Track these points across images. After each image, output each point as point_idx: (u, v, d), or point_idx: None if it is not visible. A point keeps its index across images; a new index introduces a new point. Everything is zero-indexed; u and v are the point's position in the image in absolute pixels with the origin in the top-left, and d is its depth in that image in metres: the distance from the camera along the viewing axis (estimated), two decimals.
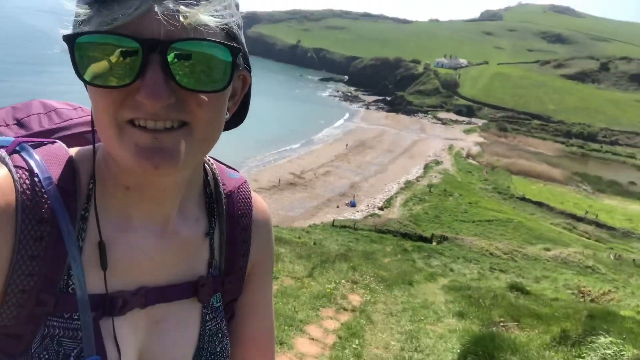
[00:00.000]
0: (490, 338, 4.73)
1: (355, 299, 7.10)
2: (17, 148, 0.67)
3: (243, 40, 0.67)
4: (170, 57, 0.55)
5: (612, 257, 27.44)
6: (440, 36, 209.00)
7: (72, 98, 0.97)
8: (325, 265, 9.87)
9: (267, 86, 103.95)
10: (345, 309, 6.34)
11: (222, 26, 0.58)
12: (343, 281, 8.25)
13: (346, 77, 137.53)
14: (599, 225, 41.39)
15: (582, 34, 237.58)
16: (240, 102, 0.74)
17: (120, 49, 0.54)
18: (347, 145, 62.12)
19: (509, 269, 18.50)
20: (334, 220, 32.08)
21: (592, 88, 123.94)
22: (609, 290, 10.48)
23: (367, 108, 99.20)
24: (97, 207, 0.67)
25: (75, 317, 0.65)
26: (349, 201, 40.90)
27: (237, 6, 0.65)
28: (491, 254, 22.94)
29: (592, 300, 10.21)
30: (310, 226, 29.85)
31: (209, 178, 0.82)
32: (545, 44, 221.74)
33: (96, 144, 0.69)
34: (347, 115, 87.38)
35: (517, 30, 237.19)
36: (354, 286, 8.09)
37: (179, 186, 0.71)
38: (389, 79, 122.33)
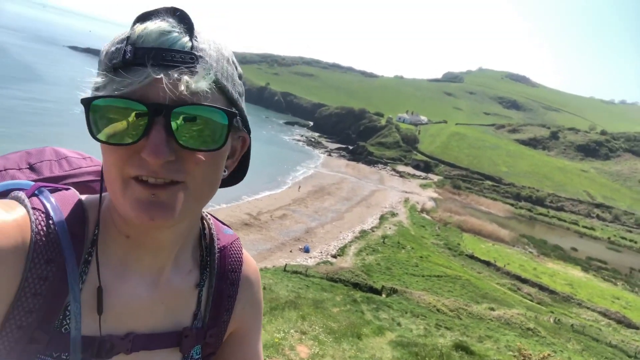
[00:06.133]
0: None
1: (304, 351, 7.08)
2: (36, 192, 0.72)
3: (243, 105, 0.73)
4: (173, 120, 0.60)
5: (552, 320, 28.28)
6: (403, 92, 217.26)
7: None
8: (274, 313, 9.79)
9: None
10: None
11: (221, 94, 0.66)
12: (292, 331, 8.21)
13: (311, 123, 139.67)
14: (541, 288, 42.71)
15: (536, 103, 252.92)
16: (241, 162, 0.80)
17: (129, 112, 0.60)
18: (299, 187, 62.22)
19: (454, 327, 18.73)
20: (285, 264, 31.71)
21: (542, 154, 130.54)
22: (548, 354, 10.77)
23: (329, 155, 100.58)
24: (98, 253, 0.71)
25: (64, 357, 0.67)
26: (303, 246, 40.66)
27: (240, 76, 0.72)
28: (438, 310, 23.20)
29: None
30: (261, 269, 29.38)
31: (205, 232, 0.86)
32: (501, 108, 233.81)
33: (102, 194, 0.74)
34: (309, 160, 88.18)
35: (475, 94, 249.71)
36: (303, 337, 8.06)
37: (176, 238, 0.75)
38: (352, 129, 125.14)
